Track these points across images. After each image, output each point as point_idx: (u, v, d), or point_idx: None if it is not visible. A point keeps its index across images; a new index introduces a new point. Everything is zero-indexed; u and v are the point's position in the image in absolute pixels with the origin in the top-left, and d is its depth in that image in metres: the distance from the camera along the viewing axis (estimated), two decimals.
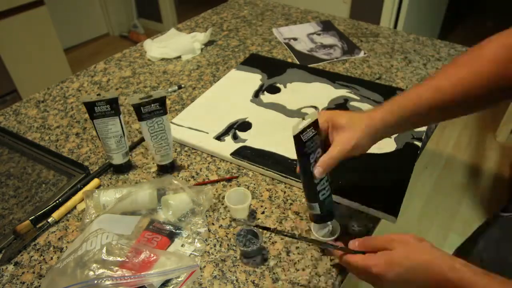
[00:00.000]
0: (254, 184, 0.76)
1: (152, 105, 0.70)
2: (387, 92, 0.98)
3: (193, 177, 0.78)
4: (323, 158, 0.58)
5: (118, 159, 0.77)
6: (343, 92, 0.99)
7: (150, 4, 3.32)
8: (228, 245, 0.65)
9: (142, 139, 0.87)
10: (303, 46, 1.22)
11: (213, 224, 0.68)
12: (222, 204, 0.72)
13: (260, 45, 1.24)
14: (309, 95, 0.98)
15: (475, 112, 0.63)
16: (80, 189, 0.74)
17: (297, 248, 0.64)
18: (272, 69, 1.09)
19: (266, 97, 0.98)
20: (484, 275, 0.45)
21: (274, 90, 1.01)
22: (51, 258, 0.64)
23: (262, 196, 0.73)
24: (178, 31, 1.32)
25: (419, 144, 0.82)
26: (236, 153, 0.80)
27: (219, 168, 0.80)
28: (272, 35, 1.30)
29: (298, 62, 1.14)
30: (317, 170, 0.57)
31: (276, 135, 0.85)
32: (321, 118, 0.59)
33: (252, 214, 0.70)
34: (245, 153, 0.80)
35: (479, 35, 0.67)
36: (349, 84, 1.02)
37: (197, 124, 0.89)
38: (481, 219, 1.76)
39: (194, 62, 1.17)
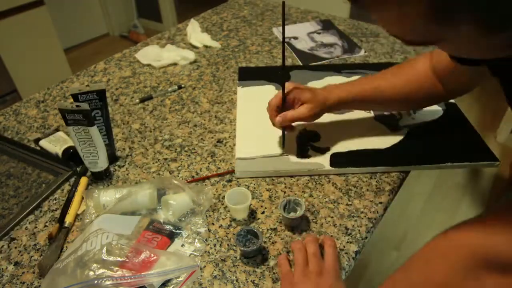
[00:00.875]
0: (254, 184, 0.76)
1: (76, 114, 0.68)
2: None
3: (193, 177, 0.78)
4: (286, 113, 0.75)
5: (93, 167, 0.76)
6: (356, 78, 0.99)
7: (150, 4, 3.32)
8: (228, 245, 0.65)
9: (140, 139, 0.87)
10: (303, 45, 1.23)
11: (213, 224, 0.68)
12: (222, 204, 0.72)
13: (260, 45, 1.24)
14: None
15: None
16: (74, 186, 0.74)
17: None
18: (276, 76, 1.06)
19: None
20: None
21: None
22: None
23: (262, 196, 0.73)
24: (171, 44, 1.31)
25: (453, 101, 0.93)
26: (335, 163, 0.78)
27: (219, 168, 0.80)
28: (272, 35, 1.30)
29: (296, 63, 1.14)
30: (278, 120, 0.75)
31: (349, 134, 0.84)
32: (288, 88, 0.75)
33: (252, 214, 0.70)
34: (342, 160, 0.79)
35: None
36: (356, 70, 1.03)
37: (266, 150, 0.82)
38: None
39: (194, 62, 1.17)
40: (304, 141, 0.84)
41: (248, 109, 0.95)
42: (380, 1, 0.33)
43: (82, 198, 0.72)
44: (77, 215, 0.71)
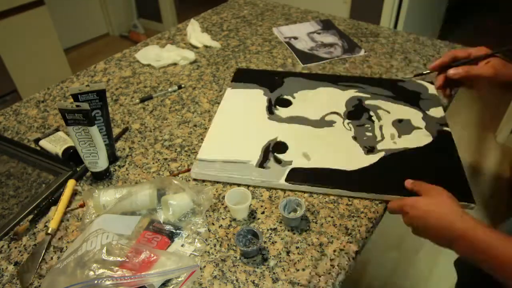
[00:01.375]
0: None
1: (76, 114, 0.68)
2: (392, 86, 0.98)
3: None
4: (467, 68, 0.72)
5: (93, 167, 0.76)
6: (351, 92, 0.97)
7: (150, 4, 3.32)
8: (228, 245, 0.65)
9: (142, 138, 0.87)
10: (303, 45, 1.23)
11: (213, 224, 0.68)
12: (222, 204, 0.72)
13: (260, 45, 1.24)
14: (323, 102, 0.94)
15: None
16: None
17: (297, 248, 0.64)
18: (269, 81, 1.02)
19: (281, 111, 0.91)
20: (491, 232, 0.54)
21: (285, 103, 0.94)
22: (51, 258, 0.64)
23: (262, 196, 0.73)
24: (171, 45, 1.31)
25: (448, 129, 0.84)
26: (291, 179, 0.74)
27: None
28: (272, 35, 1.30)
29: (296, 63, 1.14)
30: (454, 71, 0.72)
31: (318, 150, 0.80)
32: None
33: (252, 214, 0.70)
34: (299, 176, 0.74)
35: (480, 35, 0.68)
36: (352, 84, 1.00)
37: (228, 155, 0.79)
38: (481, 219, 1.76)
39: (194, 62, 1.17)
40: (268, 151, 0.80)
41: (227, 111, 0.93)
42: None
43: (70, 202, 0.72)
44: (69, 218, 0.71)
